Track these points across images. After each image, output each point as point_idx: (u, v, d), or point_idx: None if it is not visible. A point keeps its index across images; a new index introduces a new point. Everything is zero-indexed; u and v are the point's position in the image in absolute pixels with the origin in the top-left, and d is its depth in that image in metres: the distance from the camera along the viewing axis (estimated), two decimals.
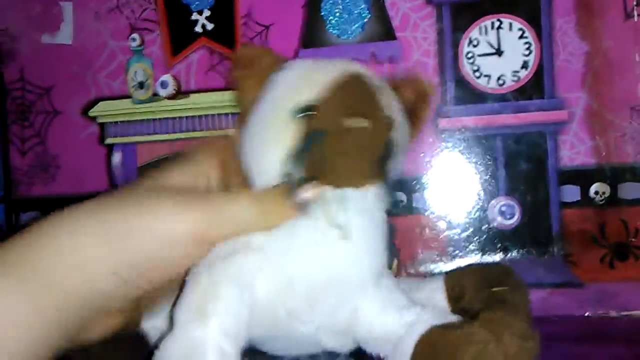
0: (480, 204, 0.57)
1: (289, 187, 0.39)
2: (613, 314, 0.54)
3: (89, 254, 0.36)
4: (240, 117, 0.44)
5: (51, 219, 0.37)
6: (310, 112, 0.39)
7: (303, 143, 0.38)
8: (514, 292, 0.44)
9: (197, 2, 0.61)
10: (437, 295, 0.46)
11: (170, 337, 0.37)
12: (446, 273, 0.48)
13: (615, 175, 0.54)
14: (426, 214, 0.57)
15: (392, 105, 0.41)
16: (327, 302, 0.40)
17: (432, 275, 0.51)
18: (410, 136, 0.44)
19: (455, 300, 0.46)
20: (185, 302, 0.38)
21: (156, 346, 0.37)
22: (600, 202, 0.55)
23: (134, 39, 0.62)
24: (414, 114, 0.45)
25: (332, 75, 0.40)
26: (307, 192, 0.39)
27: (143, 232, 0.37)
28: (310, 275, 0.39)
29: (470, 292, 0.45)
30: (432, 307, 0.42)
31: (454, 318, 0.40)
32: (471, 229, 0.57)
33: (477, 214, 0.57)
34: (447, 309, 0.46)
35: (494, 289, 0.44)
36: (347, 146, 0.38)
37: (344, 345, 0.43)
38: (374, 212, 0.41)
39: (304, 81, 0.40)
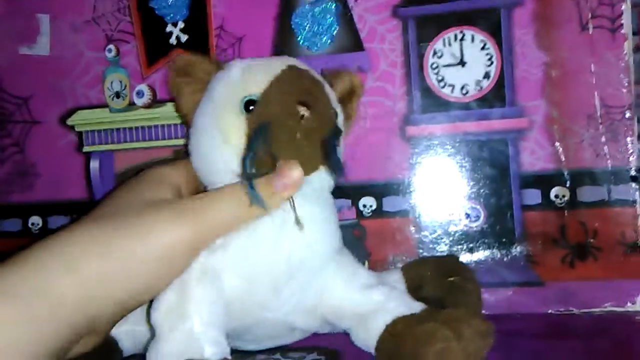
0: (447, 207, 0.57)
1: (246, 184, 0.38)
2: (574, 311, 0.54)
3: (88, 281, 0.36)
4: (185, 125, 0.45)
5: (52, 240, 0.37)
6: (254, 107, 0.39)
7: (252, 138, 0.39)
8: (468, 280, 0.46)
9: (171, 14, 0.60)
10: (397, 287, 0.47)
11: (160, 341, 0.37)
12: (403, 266, 0.49)
13: (574, 179, 0.55)
14: (396, 217, 0.58)
15: (331, 95, 0.43)
16: (291, 288, 0.41)
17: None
18: (344, 127, 0.45)
19: (415, 290, 0.47)
20: (163, 306, 0.38)
21: (144, 352, 0.38)
22: (560, 205, 0.55)
23: (110, 50, 0.61)
24: (346, 106, 0.46)
25: (272, 70, 0.41)
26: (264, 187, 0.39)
27: (143, 254, 0.37)
28: (271, 265, 0.40)
29: (429, 283, 0.47)
30: (398, 290, 0.43)
31: (416, 305, 0.41)
32: (439, 231, 0.57)
33: (444, 216, 0.57)
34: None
35: (452, 278, 0.46)
36: (293, 134, 0.39)
37: (315, 325, 0.44)
38: (324, 196, 0.43)
39: (245, 78, 0.41)
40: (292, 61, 0.43)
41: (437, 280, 0.47)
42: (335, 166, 0.40)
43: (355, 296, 0.42)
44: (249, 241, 0.40)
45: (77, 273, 0.35)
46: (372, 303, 0.42)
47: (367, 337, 0.41)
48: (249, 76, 0.41)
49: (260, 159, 0.38)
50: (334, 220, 0.43)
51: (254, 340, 0.45)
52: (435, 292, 0.46)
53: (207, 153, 0.42)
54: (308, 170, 0.39)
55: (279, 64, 0.41)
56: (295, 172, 0.39)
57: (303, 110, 0.38)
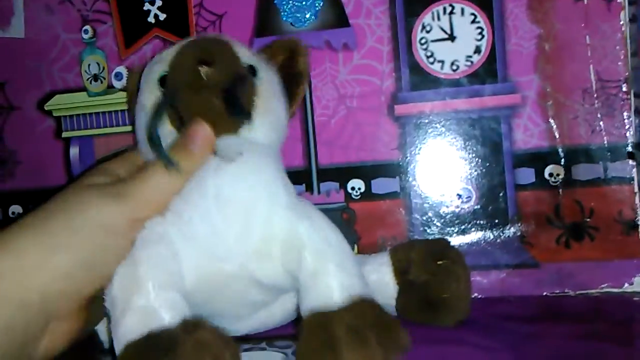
0: (438, 188, 0.55)
1: (156, 146, 0.39)
2: (570, 293, 0.53)
3: (35, 258, 0.35)
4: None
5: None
6: (164, 80, 0.41)
7: (157, 105, 0.40)
8: (456, 264, 0.44)
9: None
10: (383, 269, 0.45)
11: (120, 318, 0.35)
12: (391, 248, 0.47)
13: (568, 156, 0.53)
14: (385, 199, 0.56)
15: (245, 54, 0.43)
16: (234, 229, 0.39)
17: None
18: (294, 96, 0.46)
19: (402, 273, 0.46)
20: (115, 281, 0.37)
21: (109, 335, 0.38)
22: (555, 184, 0.53)
23: (86, 31, 0.59)
24: (291, 73, 0.46)
25: (181, 44, 0.42)
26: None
27: (87, 226, 0.37)
28: (203, 208, 0.39)
29: (416, 265, 0.45)
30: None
31: (337, 295, 0.38)
32: (430, 213, 0.55)
33: (435, 198, 0.55)
34: (393, 281, 0.46)
35: (439, 262, 0.44)
36: (196, 91, 0.39)
37: (278, 277, 0.41)
38: (257, 147, 0.41)
39: (159, 58, 0.43)
40: (205, 35, 0.46)
41: (424, 264, 0.45)
42: (235, 112, 0.40)
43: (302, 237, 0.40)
44: (179, 199, 0.39)
45: (14, 248, 0.36)
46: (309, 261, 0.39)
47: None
48: (162, 55, 0.43)
49: (168, 120, 0.40)
50: (266, 164, 0.41)
51: (229, 311, 0.43)
52: (423, 275, 0.45)
53: (138, 131, 0.43)
54: (222, 127, 0.40)
55: (189, 40, 0.43)
56: (202, 129, 0.39)
57: (205, 69, 0.38)
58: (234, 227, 0.39)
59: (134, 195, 0.38)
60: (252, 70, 0.42)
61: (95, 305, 0.41)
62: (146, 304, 0.35)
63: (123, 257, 0.38)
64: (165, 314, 0.35)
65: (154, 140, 0.38)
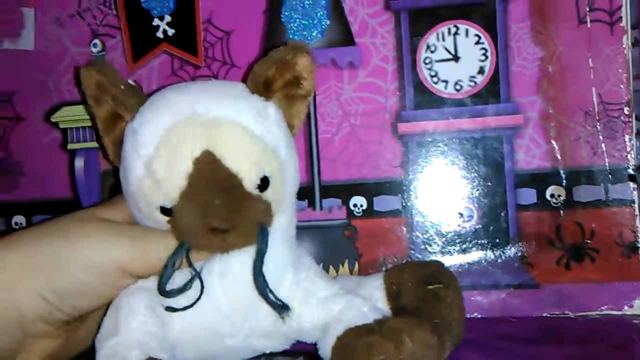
0: (440, 206, 0.56)
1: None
2: (569, 315, 0.53)
3: (12, 275, 0.37)
4: (105, 153, 0.44)
5: None
6: (171, 214, 0.38)
7: (169, 260, 0.38)
8: (448, 288, 0.44)
9: (158, 8, 0.58)
10: (376, 293, 0.45)
11: (96, 354, 0.37)
12: (386, 271, 0.48)
13: (570, 178, 0.53)
14: (387, 217, 0.56)
15: (258, 165, 0.39)
16: (241, 308, 0.40)
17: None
18: (297, 116, 0.43)
19: (394, 297, 0.46)
20: (101, 328, 0.38)
21: None
22: (556, 205, 0.54)
23: (95, 45, 0.60)
24: (294, 94, 0.42)
25: (178, 177, 0.37)
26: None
27: (70, 259, 0.38)
28: (210, 287, 0.39)
29: (408, 290, 0.45)
30: (361, 298, 0.42)
31: (373, 315, 0.39)
32: (431, 232, 0.56)
33: (437, 216, 0.56)
34: (386, 305, 0.46)
35: (429, 287, 0.44)
36: (213, 249, 0.39)
37: (279, 345, 0.43)
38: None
39: (152, 182, 0.38)
40: (202, 140, 0.37)
41: (415, 288, 0.44)
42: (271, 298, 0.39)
43: (313, 312, 0.41)
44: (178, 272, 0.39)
45: (3, 275, 0.37)
46: (330, 315, 0.40)
47: (324, 349, 0.39)
48: (156, 181, 0.38)
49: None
50: (280, 244, 0.41)
51: None
52: (413, 301, 0.44)
53: (144, 222, 0.41)
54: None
55: (185, 160, 0.37)
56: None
57: (221, 225, 0.37)
58: (241, 306, 0.40)
59: (132, 246, 0.39)
60: (265, 182, 0.39)
61: (81, 328, 0.42)
62: (117, 343, 0.36)
63: (103, 299, 0.39)
64: (134, 351, 0.36)
65: (165, 292, 0.38)
